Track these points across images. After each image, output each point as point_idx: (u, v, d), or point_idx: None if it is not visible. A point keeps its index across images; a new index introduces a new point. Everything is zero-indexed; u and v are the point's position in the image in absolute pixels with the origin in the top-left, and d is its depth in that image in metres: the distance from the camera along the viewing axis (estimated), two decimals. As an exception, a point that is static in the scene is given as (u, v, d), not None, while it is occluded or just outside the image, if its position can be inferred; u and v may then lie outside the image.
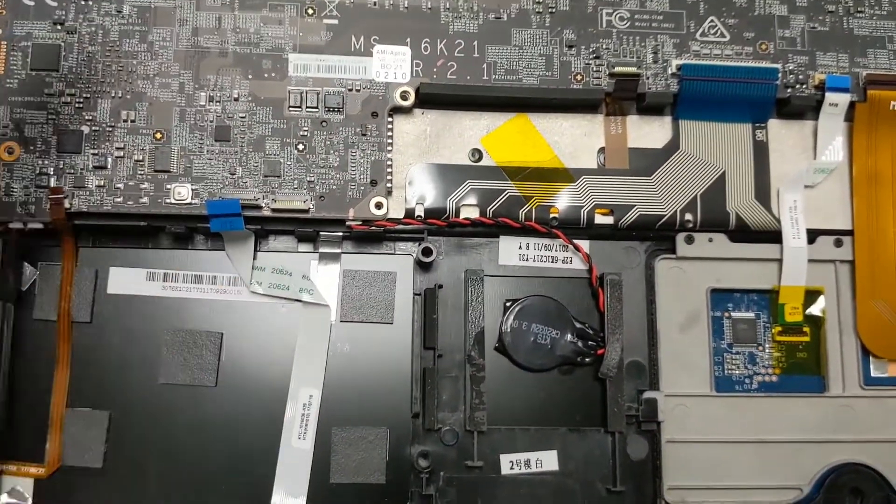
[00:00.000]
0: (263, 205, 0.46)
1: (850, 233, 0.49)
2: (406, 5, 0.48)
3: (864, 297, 0.49)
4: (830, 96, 0.49)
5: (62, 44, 0.46)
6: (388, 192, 0.47)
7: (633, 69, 0.48)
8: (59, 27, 0.46)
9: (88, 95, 0.46)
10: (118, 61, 0.46)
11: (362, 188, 0.46)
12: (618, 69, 0.48)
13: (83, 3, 0.47)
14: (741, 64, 0.49)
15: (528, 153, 0.49)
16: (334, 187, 0.46)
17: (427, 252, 0.47)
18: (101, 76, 0.46)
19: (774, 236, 0.49)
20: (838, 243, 0.49)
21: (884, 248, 0.49)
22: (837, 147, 0.50)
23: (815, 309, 0.49)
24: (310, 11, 0.48)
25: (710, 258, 0.49)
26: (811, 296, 0.49)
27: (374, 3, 0.48)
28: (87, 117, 0.46)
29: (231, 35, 0.47)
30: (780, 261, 0.49)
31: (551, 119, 0.49)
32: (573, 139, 0.49)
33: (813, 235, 0.49)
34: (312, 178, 0.46)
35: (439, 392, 0.47)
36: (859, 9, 0.51)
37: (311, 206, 0.46)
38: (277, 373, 0.46)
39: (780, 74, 0.49)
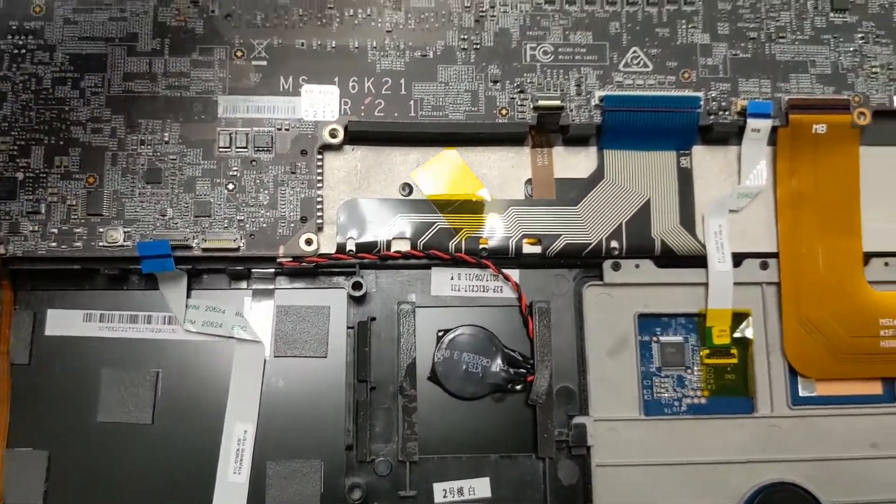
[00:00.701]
0: (194, 245, 0.47)
1: (775, 255, 0.50)
2: (333, 45, 0.49)
3: (791, 319, 0.50)
4: (752, 122, 0.50)
5: (-4, 93, 0.47)
6: (319, 229, 0.48)
7: (556, 102, 0.49)
8: (-7, 77, 0.47)
9: (23, 142, 0.47)
10: (51, 108, 0.48)
11: (292, 225, 0.48)
12: (541, 103, 0.49)
13: (16, 52, 0.48)
14: (663, 93, 0.50)
15: (458, 186, 0.50)
16: (264, 225, 0.47)
17: (357, 286, 0.48)
18: (34, 123, 0.47)
19: (701, 261, 0.50)
20: (764, 266, 0.50)
21: (809, 270, 0.50)
22: (761, 171, 0.51)
23: (743, 331, 0.50)
24: (238, 54, 0.49)
25: (637, 284, 0.50)
26: (738, 318, 0.50)
27: (302, 44, 0.49)
28: (21, 164, 0.47)
29: (162, 80, 0.48)
30: (706, 285, 0.50)
31: (479, 152, 0.50)
32: (501, 171, 0.50)
33: (739, 259, 0.50)
34: (242, 217, 0.47)
35: (372, 424, 0.48)
36: (781, 35, 0.52)
37: (242, 245, 0.47)
38: (213, 409, 0.47)
39: (702, 102, 0.50)
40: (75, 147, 0.47)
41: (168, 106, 0.48)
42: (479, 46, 0.50)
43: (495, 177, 0.50)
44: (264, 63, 0.49)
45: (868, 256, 0.51)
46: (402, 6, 0.50)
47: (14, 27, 0.48)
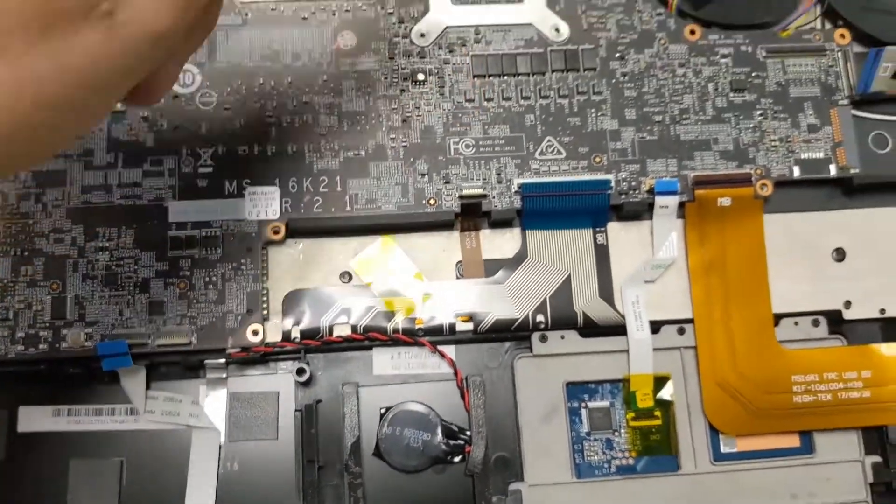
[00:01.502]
0: (149, 342, 0.51)
1: (691, 321, 0.54)
2: (273, 150, 0.54)
3: (708, 380, 0.53)
4: (660, 199, 0.54)
5: (-35, 211, 0.52)
6: (265, 319, 0.52)
7: (479, 191, 0.54)
8: (-38, 196, 0.52)
9: (-9, 255, 0.52)
10: (16, 222, 0.52)
11: (239, 317, 0.52)
12: (465, 192, 0.54)
13: (-16, 172, 0.52)
14: (576, 178, 0.54)
15: (393, 270, 0.54)
16: (214, 320, 0.52)
17: (301, 372, 0.52)
18: (1, 237, 0.52)
19: (621, 330, 0.54)
20: (681, 331, 0.54)
21: (722, 333, 0.54)
22: (673, 243, 0.55)
23: (665, 394, 0.54)
24: (186, 163, 0.53)
25: (564, 354, 0.54)
26: (660, 382, 0.54)
27: (245, 150, 0.54)
28: (-11, 275, 0.51)
29: (117, 190, 0.53)
30: (628, 352, 0.54)
31: (412, 239, 0.55)
32: (433, 255, 0.55)
33: (657, 326, 0.54)
34: (194, 314, 0.51)
35: (322, 502, 0.51)
36: (685, 116, 0.56)
37: (193, 340, 0.51)
38: (174, 494, 0.51)
39: (613, 184, 0.54)
40: (39, 257, 0.52)
41: (123, 214, 0.53)
42: (407, 144, 0.55)
43: (428, 260, 0.55)
44: (210, 170, 0.54)
45: (778, 317, 0.55)
46: (336, 111, 0.55)
47: (-19, 150, 0.53)
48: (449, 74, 0.56)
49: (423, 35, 0.56)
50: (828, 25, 0.59)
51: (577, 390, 0.54)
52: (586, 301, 0.54)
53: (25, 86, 0.29)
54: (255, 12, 0.56)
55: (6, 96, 0.28)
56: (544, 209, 0.54)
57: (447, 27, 0.57)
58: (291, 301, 0.53)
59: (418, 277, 0.54)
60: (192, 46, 0.38)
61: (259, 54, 0.55)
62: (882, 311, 0.55)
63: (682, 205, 0.55)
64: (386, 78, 0.56)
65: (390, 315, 0.53)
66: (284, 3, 0.56)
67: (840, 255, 0.56)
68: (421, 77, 0.56)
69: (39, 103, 0.30)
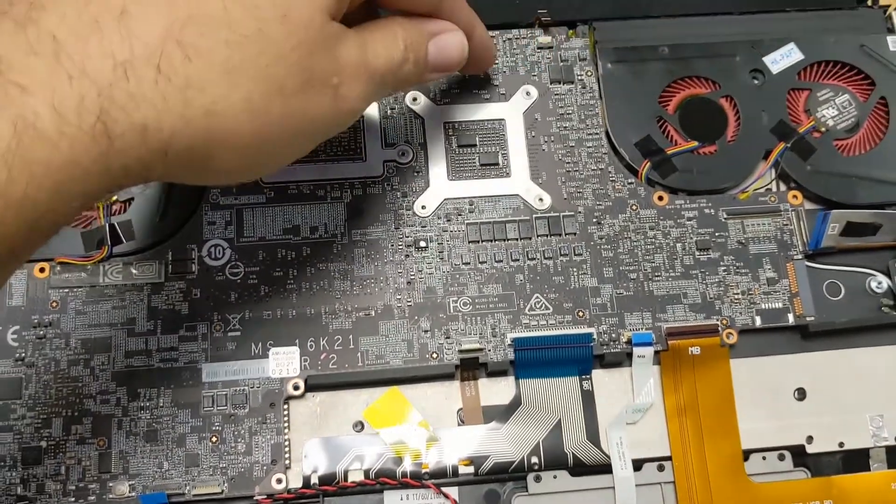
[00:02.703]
0: (186, 492, 0.57)
1: (669, 458, 0.60)
2: (294, 314, 0.61)
3: (687, 513, 0.59)
4: (637, 350, 0.61)
5: (23, 376, 0.59)
6: (288, 467, 0.59)
7: (476, 345, 0.61)
8: (20, 362, 0.59)
9: (45, 416, 0.58)
10: (67, 385, 0.59)
11: (265, 467, 0.58)
12: (464, 346, 0.61)
13: (38, 340, 0.60)
14: (562, 332, 0.61)
15: (401, 419, 0.61)
16: (242, 470, 0.58)
17: (320, 515, 0.58)
18: (54, 399, 0.59)
19: (607, 468, 0.60)
20: (661, 468, 0.60)
21: (697, 470, 0.60)
22: (650, 389, 0.62)
23: (648, 526, 0.60)
24: (217, 328, 0.61)
25: (557, 492, 0.60)
26: (644, 515, 0.60)
27: (269, 315, 0.61)
28: (44, 434, 0.58)
29: (156, 354, 0.60)
30: (613, 489, 0.60)
31: (417, 389, 0.61)
32: (436, 404, 0.61)
33: (639, 464, 0.60)
34: (224, 465, 0.58)
35: None
36: (657, 273, 0.64)
37: (224, 489, 0.57)
38: None
39: (595, 336, 0.61)
40: (87, 416, 0.58)
41: (161, 376, 0.59)
42: (411, 303, 0.62)
43: (431, 409, 0.61)
44: (238, 333, 0.61)
45: (747, 453, 0.61)
46: (349, 277, 0.62)
47: (36, 320, 0.60)
48: (447, 241, 0.64)
49: (424, 207, 0.64)
50: (782, 187, 0.67)
51: (569, 526, 0.60)
52: (575, 443, 0.60)
53: (275, 118, 0.44)
54: (277, 191, 0.64)
55: (270, 123, 0.44)
56: (535, 360, 0.61)
57: (445, 199, 0.65)
58: (311, 450, 0.59)
59: (423, 425, 0.60)
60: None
61: (281, 228, 0.63)
62: (841, 444, 0.61)
63: (657, 353, 0.62)
64: (392, 245, 0.63)
65: (399, 460, 0.59)
66: (303, 182, 0.64)
67: (801, 394, 0.62)
68: (423, 244, 0.63)
69: (273, 133, 0.45)
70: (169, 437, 0.58)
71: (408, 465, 0.59)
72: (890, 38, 0.70)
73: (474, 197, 0.65)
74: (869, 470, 0.62)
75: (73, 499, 0.57)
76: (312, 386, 0.60)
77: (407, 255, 0.63)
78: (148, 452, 0.58)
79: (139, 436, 0.58)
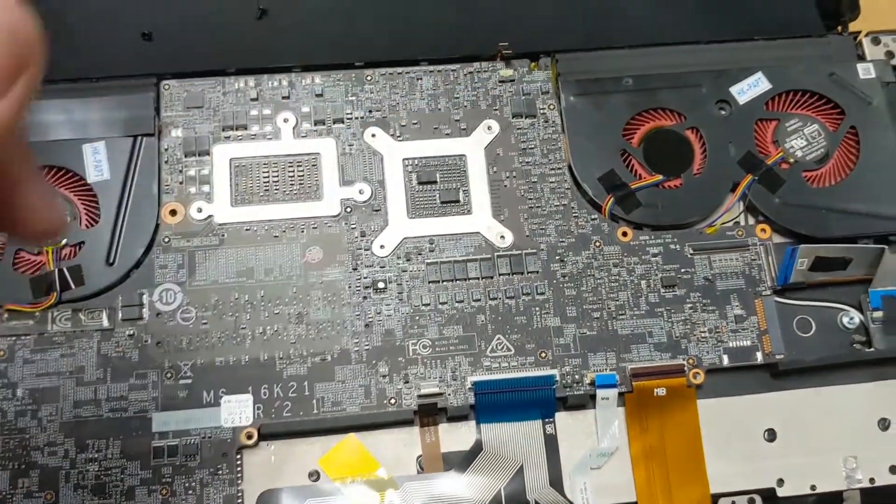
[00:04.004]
0: (134, 547, 0.55)
1: (635, 503, 0.59)
2: (247, 360, 0.60)
3: (654, 560, 0.57)
4: (601, 392, 0.59)
5: (-33, 430, 0.57)
6: (241, 520, 0.57)
7: (435, 390, 0.59)
8: (-37, 416, 0.58)
9: (-10, 469, 0.57)
10: (14, 437, 0.57)
11: (217, 521, 0.56)
12: (423, 391, 0.59)
13: (-17, 392, 0.58)
14: (524, 374, 0.60)
15: (358, 468, 0.59)
16: (193, 523, 0.56)
17: (273, 570, 0.56)
18: (0, 452, 0.57)
19: (572, 515, 0.58)
20: (627, 514, 0.59)
21: (664, 515, 0.58)
22: (615, 431, 0.60)
23: (614, 575, 0.58)
24: (168, 375, 0.59)
25: (519, 541, 0.58)
26: (609, 564, 0.58)
27: (221, 361, 0.60)
28: (-12, 489, 0.56)
29: (105, 403, 0.58)
30: (578, 536, 0.58)
31: (375, 436, 0.60)
32: (395, 451, 0.59)
33: (605, 509, 0.58)
34: (175, 518, 0.56)
35: None
36: (621, 312, 0.62)
37: (174, 544, 0.56)
38: None
39: (557, 378, 0.60)
40: (34, 469, 0.57)
41: (110, 426, 0.58)
42: (369, 347, 0.60)
43: (390, 456, 0.59)
44: (190, 381, 0.59)
45: (716, 497, 0.59)
46: (304, 320, 0.61)
47: (-18, 370, 0.59)
48: (407, 281, 0.62)
49: (382, 246, 0.63)
50: (751, 221, 0.65)
51: (532, 576, 0.58)
52: (538, 489, 0.58)
53: None
54: (231, 232, 0.62)
55: None
56: (496, 404, 0.59)
57: (405, 238, 0.63)
58: (265, 502, 0.57)
59: (381, 473, 0.59)
60: None
61: (235, 270, 0.62)
62: (813, 487, 0.60)
63: (622, 395, 0.60)
64: (350, 287, 0.62)
65: (357, 509, 0.57)
66: (257, 223, 0.63)
67: (771, 435, 0.60)
68: (381, 285, 0.62)
69: None
70: (118, 489, 0.57)
71: (365, 515, 0.57)
72: (860, 66, 0.69)
73: (435, 235, 0.63)
74: (843, 513, 0.60)
75: (17, 556, 0.55)
76: (266, 435, 0.58)
77: (365, 297, 0.61)
78: (96, 506, 0.56)
79: (87, 489, 0.57)
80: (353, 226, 0.63)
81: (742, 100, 0.67)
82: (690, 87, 0.67)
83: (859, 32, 0.71)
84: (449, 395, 0.59)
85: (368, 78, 0.67)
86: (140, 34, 0.69)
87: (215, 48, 0.68)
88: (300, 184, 0.64)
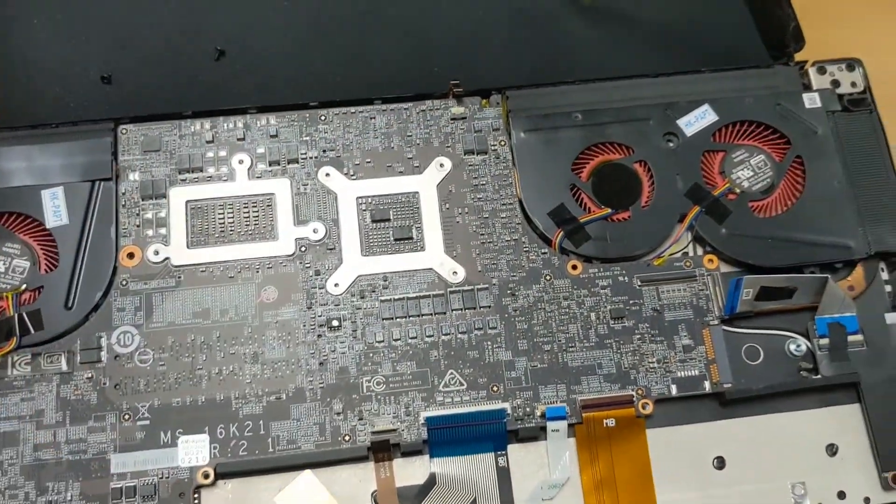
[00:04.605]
0: (92, 590, 0.56)
1: (587, 535, 0.60)
2: (203, 400, 0.61)
3: (605, 591, 0.59)
4: (551, 424, 0.61)
5: (-72, 475, 0.58)
6: (199, 559, 0.58)
7: (388, 426, 0.60)
8: (-74, 460, 0.59)
9: (-50, 515, 0.58)
10: (-26, 483, 0.58)
11: (174, 561, 0.57)
12: (377, 428, 0.60)
13: (-57, 436, 0.59)
14: (474, 409, 0.61)
15: (315, 504, 0.60)
16: (150, 565, 0.57)
17: None
18: (-40, 497, 0.58)
19: (523, 548, 0.59)
20: (578, 546, 0.60)
21: (615, 545, 0.59)
22: (566, 462, 0.61)
23: None
24: (126, 417, 0.60)
25: (473, 574, 0.59)
26: None
27: (178, 402, 0.61)
28: (-50, 534, 0.57)
29: (64, 446, 0.59)
30: (530, 569, 0.59)
31: (331, 472, 0.60)
32: (350, 487, 0.60)
33: (557, 542, 0.59)
34: (132, 560, 0.57)
35: None
36: (571, 344, 0.63)
37: (132, 585, 0.57)
38: None
39: (508, 412, 0.61)
40: (-6, 514, 0.58)
41: (70, 468, 0.59)
42: (323, 385, 0.62)
43: (346, 492, 0.60)
44: (147, 422, 0.60)
45: (667, 527, 0.60)
46: (259, 360, 0.62)
47: (-56, 416, 0.60)
48: (361, 318, 0.63)
49: (337, 285, 0.64)
50: (699, 251, 0.66)
51: None
52: (490, 523, 0.59)
53: None
54: (187, 274, 0.64)
55: None
56: (449, 438, 0.60)
57: (359, 276, 0.64)
58: (222, 539, 0.58)
59: (337, 508, 0.60)
60: None
61: (191, 312, 0.63)
62: (764, 514, 0.61)
63: (572, 426, 0.61)
64: (304, 326, 0.63)
65: (313, 546, 0.58)
66: (213, 264, 0.64)
67: (721, 462, 0.62)
68: (336, 323, 0.63)
69: None
70: (77, 532, 0.58)
71: (321, 551, 0.58)
72: (806, 96, 0.70)
73: (388, 272, 0.64)
74: (792, 538, 0.61)
75: None
76: (223, 473, 0.59)
77: (319, 336, 0.63)
78: (56, 549, 0.57)
79: (47, 533, 0.57)
80: (308, 265, 0.64)
81: (689, 132, 0.68)
82: (638, 120, 0.69)
83: (805, 62, 0.72)
84: (402, 430, 0.61)
85: (322, 118, 0.68)
86: (100, 77, 0.70)
87: (174, 90, 0.69)
88: (255, 224, 0.65)
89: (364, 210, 0.66)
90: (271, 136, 0.67)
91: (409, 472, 0.61)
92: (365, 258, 0.65)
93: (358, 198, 0.66)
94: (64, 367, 0.61)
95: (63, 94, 0.69)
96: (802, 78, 0.72)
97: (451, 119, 0.69)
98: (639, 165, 0.68)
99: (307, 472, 0.60)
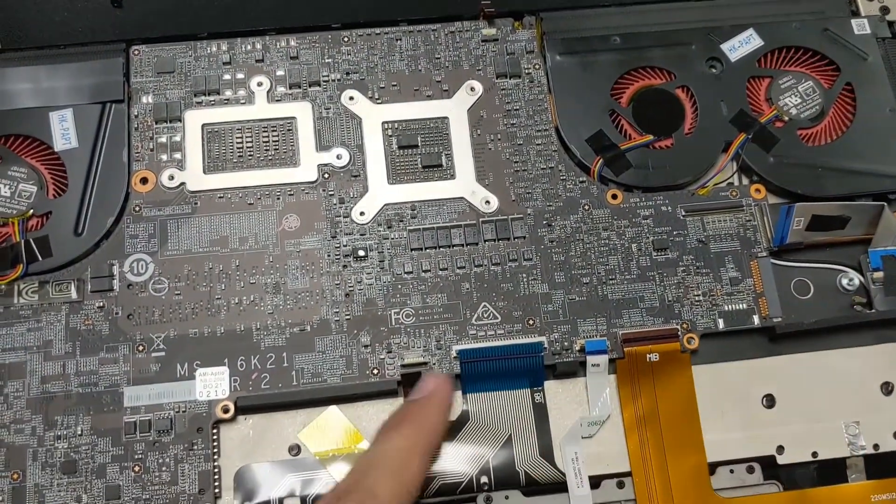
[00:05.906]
0: (105, 527, 0.53)
1: (629, 474, 0.56)
2: (222, 331, 0.57)
3: (649, 532, 0.55)
4: (591, 358, 0.57)
5: (-72, 407, 0.55)
6: (217, 497, 0.54)
7: (419, 359, 0.57)
8: (-75, 391, 0.55)
9: (-46, 448, 0.54)
10: (-22, 415, 0.55)
11: (192, 497, 0.54)
12: (407, 360, 0.57)
13: (-52, 368, 0.56)
14: (510, 342, 0.57)
15: (341, 441, 0.56)
16: (167, 501, 0.54)
17: (251, 548, 0.54)
18: (-36, 431, 0.54)
19: (563, 486, 0.56)
20: (620, 485, 0.56)
21: (660, 485, 0.56)
22: (607, 399, 0.57)
23: (608, 549, 0.55)
24: (140, 348, 0.57)
25: (509, 514, 0.55)
26: (603, 537, 0.56)
27: (195, 333, 0.57)
28: (-48, 469, 0.54)
29: (74, 378, 0.56)
30: (570, 508, 0.55)
31: (358, 407, 0.57)
32: (378, 423, 0.56)
33: (597, 480, 0.56)
34: (148, 496, 0.54)
35: None
36: (611, 277, 0.59)
37: (148, 522, 0.53)
38: None
39: (545, 346, 0.57)
40: (0, 448, 0.54)
41: (80, 402, 0.55)
42: (350, 317, 0.58)
43: (373, 428, 0.56)
44: (162, 354, 0.57)
45: (713, 466, 0.57)
46: (281, 290, 0.58)
47: (-58, 352, 0.56)
48: (388, 249, 0.60)
49: (362, 213, 0.60)
50: (744, 181, 0.63)
51: (522, 550, 0.55)
52: (527, 460, 0.56)
53: None
54: (204, 200, 0.60)
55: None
56: (482, 373, 0.57)
57: (385, 204, 0.61)
58: (242, 477, 0.55)
59: (364, 446, 0.56)
60: None
61: (208, 240, 0.59)
62: (814, 454, 0.57)
63: (613, 361, 0.57)
64: (328, 256, 0.59)
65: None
66: (231, 190, 0.60)
67: (770, 401, 0.58)
68: (362, 253, 0.59)
69: None
70: (88, 467, 0.54)
71: (348, 491, 0.55)
72: (854, 22, 0.66)
73: (416, 201, 0.61)
74: (846, 481, 0.58)
75: (-17, 538, 0.52)
76: (243, 408, 0.56)
77: (345, 266, 0.59)
78: (65, 485, 0.54)
79: (56, 467, 0.54)
80: (332, 192, 0.61)
81: (733, 57, 0.65)
82: (680, 45, 0.65)
83: (853, -13, 0.68)
84: (433, 364, 0.57)
85: (345, 39, 0.64)
86: (110, 1, 0.66)
87: (187, 13, 0.65)
88: (275, 149, 0.61)
89: (390, 136, 0.62)
90: (291, 58, 0.63)
91: (440, 408, 0.57)
92: (392, 186, 0.61)
93: (384, 122, 0.62)
94: (74, 295, 0.57)
95: (72, 17, 0.65)
96: (850, 4, 0.68)
97: (482, 41, 0.65)
98: (681, 91, 0.64)
99: (333, 407, 0.57)
